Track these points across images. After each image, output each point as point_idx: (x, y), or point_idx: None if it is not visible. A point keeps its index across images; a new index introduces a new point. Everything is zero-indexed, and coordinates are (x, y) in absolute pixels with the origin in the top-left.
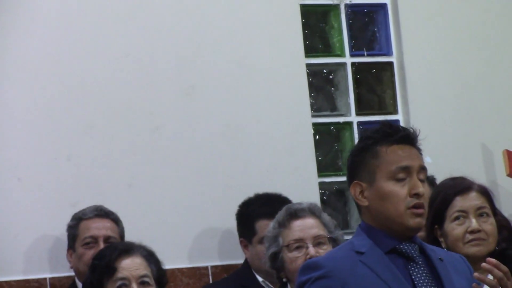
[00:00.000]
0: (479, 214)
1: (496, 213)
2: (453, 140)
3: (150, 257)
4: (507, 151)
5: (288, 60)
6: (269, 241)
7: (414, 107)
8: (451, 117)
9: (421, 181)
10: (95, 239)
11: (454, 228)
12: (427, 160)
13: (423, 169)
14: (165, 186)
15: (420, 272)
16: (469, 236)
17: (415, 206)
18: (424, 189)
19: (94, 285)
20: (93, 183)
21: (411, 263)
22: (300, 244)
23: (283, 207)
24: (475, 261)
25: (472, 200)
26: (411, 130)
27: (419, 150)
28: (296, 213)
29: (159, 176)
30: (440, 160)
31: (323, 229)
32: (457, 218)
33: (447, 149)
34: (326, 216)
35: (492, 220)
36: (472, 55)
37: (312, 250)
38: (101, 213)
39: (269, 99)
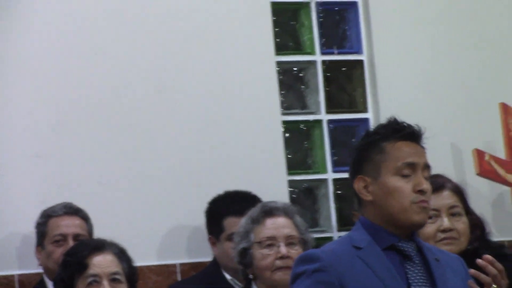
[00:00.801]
0: (452, 213)
1: (469, 212)
2: (422, 139)
3: (121, 254)
4: (477, 150)
5: (258, 57)
6: (240, 236)
7: (384, 106)
8: (421, 116)
9: (426, 178)
10: (64, 237)
11: (426, 227)
12: None
13: (427, 167)
14: (135, 183)
15: (416, 271)
16: (441, 235)
17: (421, 202)
18: (428, 186)
19: (65, 282)
20: (63, 180)
21: (408, 262)
22: (272, 242)
23: (258, 204)
24: None
25: (445, 199)
26: (418, 127)
27: (423, 148)
28: (271, 211)
29: (128, 174)
30: None
31: (295, 230)
32: (429, 217)
33: None
34: (298, 218)
35: (464, 219)
36: (442, 54)
37: (283, 249)
38: (70, 210)
39: (239, 97)
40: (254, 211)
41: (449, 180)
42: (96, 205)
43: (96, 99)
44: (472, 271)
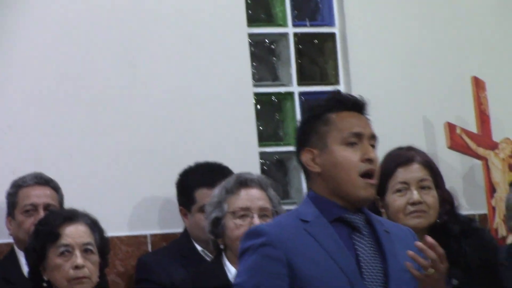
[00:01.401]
0: (421, 186)
1: (439, 186)
2: (394, 112)
3: (93, 225)
4: (449, 123)
5: (230, 29)
6: (213, 206)
7: (355, 78)
8: (393, 88)
9: (372, 147)
10: (35, 207)
11: (396, 200)
12: None
13: (374, 137)
14: (105, 155)
15: (364, 242)
16: (410, 208)
17: (368, 173)
18: (375, 155)
19: (37, 251)
20: (34, 151)
21: (356, 233)
22: (246, 212)
23: (233, 175)
24: (415, 232)
25: (414, 172)
26: (361, 98)
27: (368, 118)
28: (246, 182)
29: (99, 145)
30: (381, 132)
31: (269, 203)
32: (399, 190)
33: (388, 120)
34: (272, 191)
35: (433, 192)
36: (414, 27)
37: (257, 220)
38: (41, 180)
39: (211, 69)
40: (228, 181)
41: (419, 153)
42: (66, 176)
43: (69, 72)
44: (410, 253)
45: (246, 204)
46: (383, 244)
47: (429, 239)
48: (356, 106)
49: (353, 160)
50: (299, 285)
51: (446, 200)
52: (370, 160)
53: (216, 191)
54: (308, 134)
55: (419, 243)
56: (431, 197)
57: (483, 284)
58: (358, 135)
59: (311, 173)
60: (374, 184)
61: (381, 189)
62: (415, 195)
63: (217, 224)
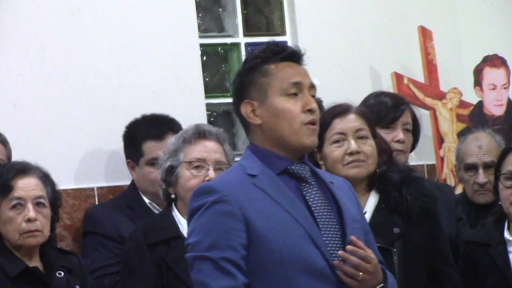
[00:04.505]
0: (358, 136)
1: (375, 135)
2: (341, 62)
3: (46, 178)
4: (396, 73)
5: None
6: (169, 154)
7: (302, 29)
8: (339, 39)
9: (312, 97)
10: None
11: (333, 151)
12: (315, 82)
13: (313, 86)
14: (51, 106)
15: (314, 192)
16: (348, 158)
17: (311, 122)
18: (316, 105)
19: None
20: None
21: (304, 184)
22: (201, 164)
23: (192, 125)
24: (355, 183)
25: (351, 122)
26: (298, 48)
27: (305, 68)
28: (205, 133)
29: (44, 97)
30: (328, 82)
31: (224, 157)
32: (336, 141)
33: (335, 70)
34: (228, 146)
35: (371, 141)
36: None
37: (212, 173)
38: None
39: (155, 19)
40: (187, 131)
41: (355, 105)
42: (11, 129)
43: (11, 21)
44: (337, 262)
45: (203, 155)
46: (334, 192)
47: (348, 246)
48: (294, 56)
49: (294, 111)
50: (256, 239)
51: (384, 150)
52: (311, 111)
53: (173, 139)
54: (247, 87)
55: (341, 252)
56: (368, 146)
57: (423, 232)
58: (298, 85)
59: (251, 126)
60: (316, 131)
61: (319, 141)
62: (352, 144)
63: (170, 173)
